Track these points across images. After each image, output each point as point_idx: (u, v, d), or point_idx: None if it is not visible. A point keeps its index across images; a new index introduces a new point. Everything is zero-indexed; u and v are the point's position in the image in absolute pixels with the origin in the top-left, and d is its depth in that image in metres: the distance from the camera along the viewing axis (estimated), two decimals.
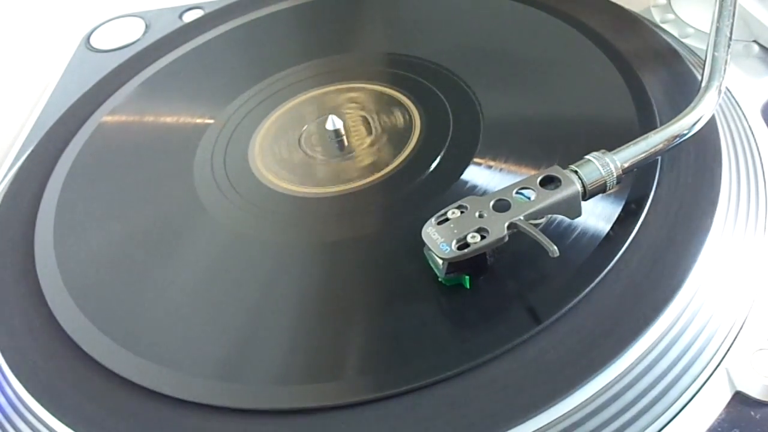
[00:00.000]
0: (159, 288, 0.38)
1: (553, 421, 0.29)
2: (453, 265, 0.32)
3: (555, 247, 0.31)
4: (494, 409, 0.30)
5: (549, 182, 0.33)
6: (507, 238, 0.32)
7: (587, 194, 0.33)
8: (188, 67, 0.54)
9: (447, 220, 0.33)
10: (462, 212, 0.33)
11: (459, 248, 0.32)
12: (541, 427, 0.29)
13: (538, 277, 0.34)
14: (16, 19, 0.67)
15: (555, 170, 0.34)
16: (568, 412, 0.30)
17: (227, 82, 0.52)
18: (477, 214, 0.33)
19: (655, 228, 0.35)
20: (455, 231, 0.32)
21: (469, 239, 0.32)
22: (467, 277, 0.33)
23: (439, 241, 0.32)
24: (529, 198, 0.33)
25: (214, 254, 0.40)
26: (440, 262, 0.33)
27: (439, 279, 0.34)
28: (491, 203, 0.33)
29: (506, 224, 0.32)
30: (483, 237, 0.32)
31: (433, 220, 0.33)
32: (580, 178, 0.33)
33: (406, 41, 0.52)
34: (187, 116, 0.50)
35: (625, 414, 0.30)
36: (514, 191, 0.33)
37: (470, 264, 0.33)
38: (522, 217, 0.32)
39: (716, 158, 0.37)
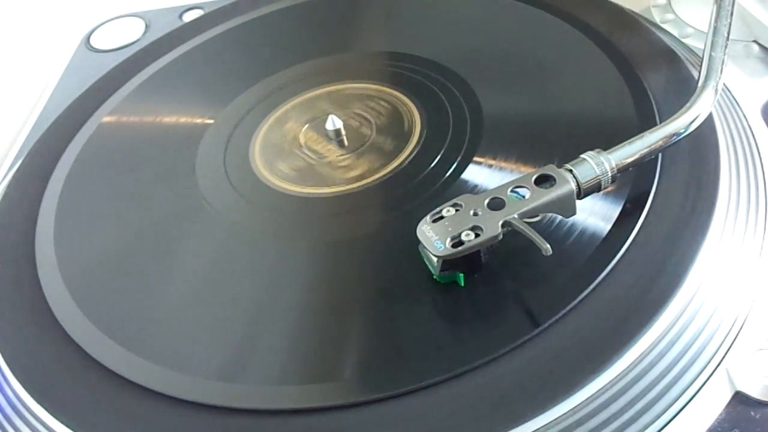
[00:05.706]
0: (159, 288, 0.38)
1: (553, 421, 0.29)
2: (447, 262, 0.33)
3: (548, 246, 0.31)
4: (494, 410, 0.30)
5: (544, 181, 0.33)
6: (501, 236, 0.32)
7: (582, 193, 0.33)
8: (188, 67, 0.54)
9: (442, 218, 0.33)
10: (457, 210, 0.33)
11: (453, 246, 0.32)
12: (541, 427, 0.29)
13: (539, 278, 0.34)
14: (16, 19, 0.67)
15: (550, 169, 0.34)
16: (568, 411, 0.29)
17: (227, 82, 0.52)
18: (472, 212, 0.33)
19: (655, 228, 0.34)
20: (450, 229, 0.32)
21: (463, 237, 0.32)
22: (462, 275, 0.33)
23: (434, 238, 0.32)
24: (523, 196, 0.33)
25: (214, 254, 0.40)
26: (435, 259, 0.33)
27: (434, 276, 0.34)
28: (486, 201, 0.33)
29: (500, 222, 0.32)
30: (477, 235, 0.32)
31: (428, 217, 0.33)
32: (574, 176, 0.33)
33: (407, 41, 0.51)
34: (187, 116, 0.50)
35: (625, 414, 0.30)
36: (509, 190, 0.33)
37: (465, 262, 0.33)
38: (516, 216, 0.32)
39: (716, 158, 0.37)
